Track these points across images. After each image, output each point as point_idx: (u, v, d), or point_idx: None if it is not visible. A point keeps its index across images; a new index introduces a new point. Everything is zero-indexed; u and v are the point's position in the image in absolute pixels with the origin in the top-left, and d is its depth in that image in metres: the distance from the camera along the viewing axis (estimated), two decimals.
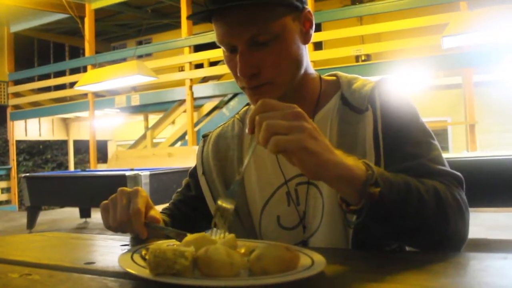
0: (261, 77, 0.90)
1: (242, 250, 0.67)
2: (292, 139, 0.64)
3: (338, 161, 0.67)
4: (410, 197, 0.75)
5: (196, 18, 0.93)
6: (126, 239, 0.98)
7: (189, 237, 0.69)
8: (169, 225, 1.04)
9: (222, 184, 1.04)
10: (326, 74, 1.06)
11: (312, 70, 1.01)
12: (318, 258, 0.65)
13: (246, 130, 1.02)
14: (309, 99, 0.99)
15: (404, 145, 0.88)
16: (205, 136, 1.17)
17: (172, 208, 1.15)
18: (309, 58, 0.99)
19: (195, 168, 1.13)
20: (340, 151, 0.70)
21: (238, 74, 0.90)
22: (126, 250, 0.73)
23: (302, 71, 0.95)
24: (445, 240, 0.80)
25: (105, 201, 0.92)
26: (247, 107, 1.15)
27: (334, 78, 1.04)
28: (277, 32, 0.88)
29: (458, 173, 0.86)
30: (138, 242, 0.87)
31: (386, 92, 0.94)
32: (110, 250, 0.90)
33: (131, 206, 0.87)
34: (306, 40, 0.94)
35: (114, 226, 0.89)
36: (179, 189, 1.19)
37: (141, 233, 0.87)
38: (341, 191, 0.72)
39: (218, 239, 0.71)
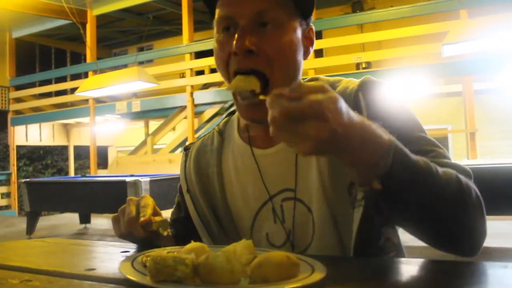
0: (258, 59, 0.84)
1: (243, 258, 0.67)
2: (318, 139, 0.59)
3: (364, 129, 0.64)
4: (429, 172, 0.70)
5: None
6: (126, 245, 0.98)
7: (189, 246, 0.69)
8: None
9: (205, 202, 0.99)
10: (306, 79, 0.99)
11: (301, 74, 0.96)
12: (319, 266, 0.65)
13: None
14: None
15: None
16: (186, 150, 1.11)
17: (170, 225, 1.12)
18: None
19: (181, 185, 1.09)
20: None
21: (233, 49, 0.83)
22: (126, 257, 0.73)
23: (296, 80, 0.91)
24: (463, 234, 0.75)
25: (115, 214, 0.92)
26: (227, 118, 1.09)
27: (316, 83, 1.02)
28: (283, 21, 0.85)
29: (468, 168, 0.81)
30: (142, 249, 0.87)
31: (370, 92, 0.88)
32: (111, 256, 0.90)
33: (126, 216, 0.87)
34: (304, 55, 0.92)
35: (123, 236, 0.89)
36: (174, 207, 1.15)
37: (141, 236, 0.87)
38: (364, 156, 0.66)
39: (237, 244, 0.70)
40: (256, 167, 0.95)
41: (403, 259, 0.86)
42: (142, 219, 0.86)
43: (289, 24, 0.87)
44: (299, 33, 0.89)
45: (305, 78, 1.01)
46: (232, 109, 1.10)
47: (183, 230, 1.07)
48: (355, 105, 0.86)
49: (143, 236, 0.87)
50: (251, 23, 0.84)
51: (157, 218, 0.88)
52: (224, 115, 1.10)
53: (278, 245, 0.92)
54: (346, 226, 0.84)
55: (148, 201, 0.89)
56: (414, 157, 0.70)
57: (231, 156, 1.00)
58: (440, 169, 0.73)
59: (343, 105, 0.62)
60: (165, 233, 0.87)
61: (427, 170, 0.71)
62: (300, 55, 0.90)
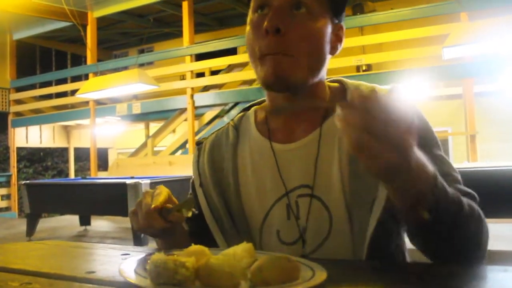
0: (285, 40, 0.84)
1: (243, 261, 0.67)
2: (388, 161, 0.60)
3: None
4: (459, 205, 0.74)
5: None
6: (126, 248, 0.98)
7: (189, 249, 0.69)
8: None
9: (219, 198, 0.98)
10: (329, 80, 1.02)
11: (324, 78, 0.98)
12: (319, 269, 0.65)
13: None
14: (320, 105, 0.96)
15: None
16: (199, 144, 1.10)
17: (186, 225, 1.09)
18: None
19: (193, 180, 1.08)
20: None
21: (264, 27, 0.84)
22: (126, 260, 0.73)
23: (321, 74, 0.92)
24: (474, 254, 0.79)
25: (133, 208, 0.90)
26: (242, 113, 1.09)
27: (338, 85, 1.01)
28: (315, 10, 0.86)
29: (474, 192, 0.85)
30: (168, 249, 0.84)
31: None
32: (111, 259, 0.90)
33: (143, 208, 0.86)
34: (332, 50, 0.92)
35: (141, 230, 0.88)
36: None
37: (160, 225, 0.85)
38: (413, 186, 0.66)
39: (237, 247, 0.70)
40: (274, 162, 0.95)
41: (403, 263, 0.86)
42: (153, 205, 0.84)
43: (320, 15, 0.88)
44: (329, 27, 0.90)
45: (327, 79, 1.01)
46: (247, 105, 1.10)
47: (196, 228, 1.05)
48: None
49: (163, 226, 0.85)
50: (285, 5, 0.86)
51: (170, 206, 0.87)
52: (239, 110, 1.09)
53: (289, 242, 0.91)
54: (361, 229, 0.84)
55: (162, 190, 0.87)
56: (449, 189, 0.73)
57: (248, 150, 1.00)
58: (465, 201, 0.76)
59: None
60: (189, 214, 0.85)
61: (458, 203, 0.74)
62: (327, 48, 0.91)
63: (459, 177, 0.86)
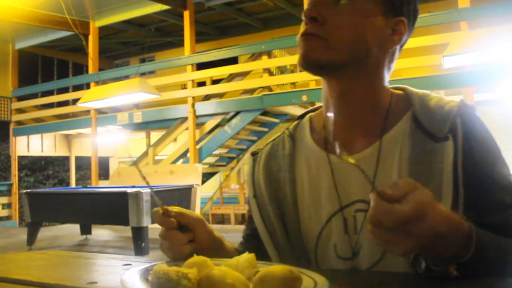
0: (322, 28, 0.83)
1: (245, 272, 0.67)
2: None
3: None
4: (495, 253, 0.71)
5: None
6: (128, 258, 0.98)
7: (191, 259, 0.69)
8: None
9: (274, 209, 0.94)
10: (392, 87, 0.94)
11: (387, 82, 0.91)
12: (321, 280, 0.65)
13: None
14: (379, 114, 0.89)
15: (488, 189, 0.79)
16: (254, 154, 1.05)
17: (244, 242, 1.06)
18: (391, 68, 0.92)
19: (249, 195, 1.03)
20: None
21: (302, 15, 0.84)
22: (128, 270, 0.73)
23: (371, 69, 0.87)
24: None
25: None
26: (297, 121, 1.03)
27: (401, 92, 0.94)
28: (360, 2, 0.84)
29: None
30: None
31: (469, 121, 0.83)
32: (112, 269, 0.90)
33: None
34: (388, 43, 0.87)
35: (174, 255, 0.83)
36: (246, 222, 1.09)
37: (166, 224, 0.83)
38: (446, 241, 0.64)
39: (239, 257, 0.69)
40: (331, 175, 0.91)
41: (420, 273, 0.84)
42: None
43: (366, 7, 0.84)
44: (377, 19, 0.85)
45: (391, 86, 0.96)
46: (303, 112, 1.05)
47: (255, 244, 1.00)
48: (451, 128, 0.82)
49: (169, 225, 0.82)
50: None
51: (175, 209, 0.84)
52: (294, 119, 1.05)
53: (346, 257, 0.87)
54: None
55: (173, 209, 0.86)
56: (487, 240, 0.70)
57: (305, 161, 0.95)
58: (504, 243, 0.73)
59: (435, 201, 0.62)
60: None
61: (495, 250, 0.71)
62: (373, 40, 0.85)
63: None
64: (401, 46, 0.92)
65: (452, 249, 0.65)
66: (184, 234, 0.83)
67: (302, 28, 0.87)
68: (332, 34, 0.83)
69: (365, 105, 0.88)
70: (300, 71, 0.94)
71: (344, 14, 0.83)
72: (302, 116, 1.04)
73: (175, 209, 0.85)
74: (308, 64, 0.85)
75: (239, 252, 0.97)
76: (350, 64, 0.85)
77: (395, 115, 0.88)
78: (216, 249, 0.89)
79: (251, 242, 1.02)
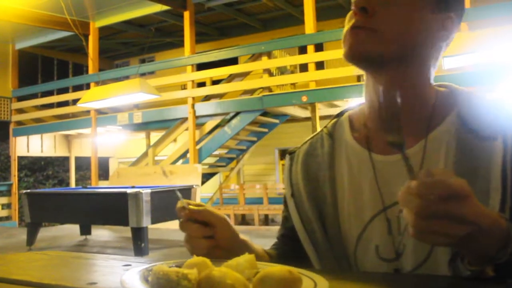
0: (371, 19, 0.81)
1: (245, 272, 0.67)
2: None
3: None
4: None
5: None
6: (128, 259, 0.98)
7: (191, 260, 0.69)
8: (275, 259, 0.95)
9: (313, 208, 0.92)
10: (435, 84, 0.91)
11: (432, 79, 0.88)
12: (321, 281, 0.65)
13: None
14: (425, 111, 0.86)
15: None
16: (291, 153, 1.03)
17: (278, 242, 1.04)
18: (436, 66, 0.89)
19: (285, 195, 1.01)
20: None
21: (352, 8, 0.82)
22: (128, 271, 0.73)
23: (415, 64, 0.85)
24: None
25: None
26: (336, 119, 1.02)
27: (446, 90, 0.91)
28: None
29: None
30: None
31: None
32: (112, 270, 0.90)
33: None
34: (431, 39, 0.85)
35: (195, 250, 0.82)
36: (281, 223, 1.07)
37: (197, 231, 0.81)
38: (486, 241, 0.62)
39: (239, 258, 0.70)
40: (373, 174, 0.88)
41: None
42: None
43: (416, 1, 0.82)
44: (428, 14, 0.83)
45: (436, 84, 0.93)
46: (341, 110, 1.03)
47: (291, 246, 0.99)
48: (499, 127, 0.80)
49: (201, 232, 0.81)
50: None
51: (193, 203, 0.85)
52: (332, 117, 1.02)
53: (389, 259, 0.85)
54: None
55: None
56: None
57: (345, 159, 0.93)
58: None
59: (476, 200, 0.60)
60: None
61: None
62: (421, 33, 0.83)
63: None
64: (447, 44, 0.90)
65: (491, 247, 0.63)
66: (201, 227, 0.82)
67: (347, 19, 0.86)
68: (381, 26, 0.81)
69: (411, 102, 0.85)
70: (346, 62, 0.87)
71: (394, 7, 0.81)
72: (341, 114, 1.02)
73: (200, 207, 0.83)
74: (356, 56, 0.83)
75: (270, 254, 0.97)
76: (398, 58, 0.83)
77: (440, 113, 0.86)
78: (242, 252, 0.88)
79: (287, 244, 1.00)
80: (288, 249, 1.00)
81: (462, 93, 0.88)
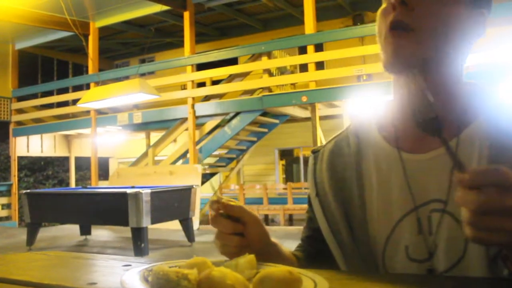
0: (411, 14, 0.79)
1: (245, 273, 0.67)
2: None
3: None
4: None
5: None
6: (128, 259, 0.98)
7: (191, 260, 0.69)
8: (303, 261, 0.94)
9: (339, 208, 0.90)
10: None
11: (463, 74, 0.87)
12: (321, 281, 0.65)
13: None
14: (457, 110, 0.84)
15: None
16: (315, 152, 1.01)
17: (303, 244, 1.03)
18: (466, 59, 0.87)
19: (309, 195, 0.99)
20: None
21: (391, 3, 0.80)
22: (128, 271, 0.73)
23: (453, 62, 0.84)
24: None
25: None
26: (359, 119, 1.00)
27: (475, 86, 0.90)
28: None
29: None
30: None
31: None
32: (112, 270, 0.90)
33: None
34: (465, 36, 0.84)
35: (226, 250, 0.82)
36: (305, 224, 1.05)
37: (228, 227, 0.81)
38: None
39: (239, 258, 0.70)
40: (403, 173, 0.86)
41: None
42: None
43: None
44: (460, 9, 0.82)
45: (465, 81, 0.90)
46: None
47: (316, 247, 0.97)
48: None
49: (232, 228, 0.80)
50: None
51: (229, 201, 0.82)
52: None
53: (419, 259, 0.82)
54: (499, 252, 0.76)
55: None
56: None
57: (373, 158, 0.91)
58: None
59: None
60: None
61: None
62: (457, 30, 0.82)
63: None
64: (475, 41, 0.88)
65: None
66: (231, 222, 0.81)
67: (380, 14, 0.84)
68: (419, 23, 0.80)
69: (445, 100, 0.83)
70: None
71: (431, 2, 0.80)
72: (364, 113, 1.00)
73: (233, 203, 0.83)
74: (399, 64, 0.81)
75: (297, 256, 0.95)
76: (435, 57, 0.82)
77: (472, 111, 0.84)
78: (271, 254, 0.86)
79: (312, 245, 0.99)
80: (314, 251, 0.99)
81: (493, 90, 0.86)
